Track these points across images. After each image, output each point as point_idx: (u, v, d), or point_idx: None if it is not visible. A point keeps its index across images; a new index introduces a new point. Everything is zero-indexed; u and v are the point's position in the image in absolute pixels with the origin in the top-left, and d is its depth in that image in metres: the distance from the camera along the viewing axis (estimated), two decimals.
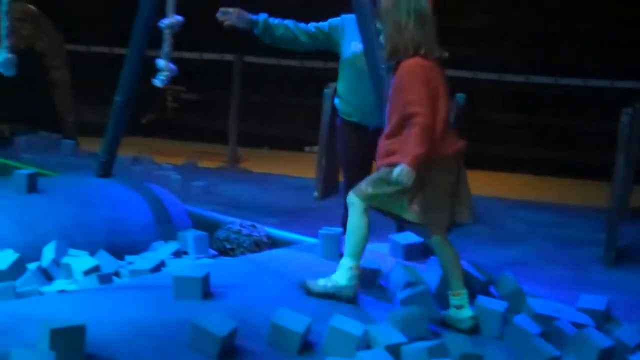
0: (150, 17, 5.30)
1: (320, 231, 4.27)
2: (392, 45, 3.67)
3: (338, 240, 4.19)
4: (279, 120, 9.86)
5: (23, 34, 7.74)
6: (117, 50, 9.31)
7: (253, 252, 4.92)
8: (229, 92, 8.97)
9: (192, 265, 4.23)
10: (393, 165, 3.55)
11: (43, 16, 7.93)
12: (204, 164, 8.65)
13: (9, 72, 4.46)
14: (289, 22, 4.74)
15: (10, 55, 4.42)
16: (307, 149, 9.43)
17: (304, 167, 8.22)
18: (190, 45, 9.19)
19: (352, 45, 4.64)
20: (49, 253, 4.55)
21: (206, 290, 3.55)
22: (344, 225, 5.00)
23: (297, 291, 3.73)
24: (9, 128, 9.06)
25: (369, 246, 3.76)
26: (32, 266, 4.39)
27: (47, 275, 4.37)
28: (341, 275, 3.66)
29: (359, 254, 3.67)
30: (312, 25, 4.76)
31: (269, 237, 5.05)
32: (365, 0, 4.20)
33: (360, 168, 4.52)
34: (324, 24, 4.75)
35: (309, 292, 3.68)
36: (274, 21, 4.72)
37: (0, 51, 4.44)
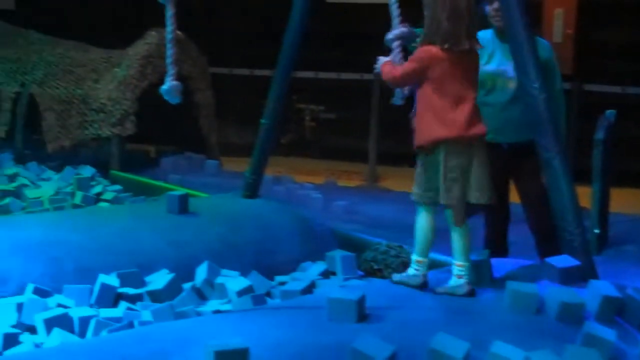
0: (298, 40, 5.37)
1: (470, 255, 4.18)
2: (426, 33, 3.84)
3: (488, 265, 4.09)
4: None
5: None
6: (258, 72, 9.49)
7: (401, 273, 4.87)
8: (366, 111, 8.98)
9: (346, 287, 4.22)
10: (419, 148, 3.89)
11: (188, 41, 8.14)
12: (343, 182, 8.67)
13: (174, 100, 4.57)
14: None
15: (175, 83, 4.52)
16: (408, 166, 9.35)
17: None
18: (329, 66, 9.30)
19: (489, 63, 4.68)
20: (201, 273, 4.65)
21: (361, 312, 3.53)
22: (488, 245, 4.97)
23: (453, 315, 3.66)
24: (155, 149, 9.37)
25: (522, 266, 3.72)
26: (186, 286, 4.50)
27: (200, 295, 4.46)
28: (410, 267, 3.96)
29: (424, 250, 3.94)
30: None
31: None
32: (518, 18, 4.10)
33: (496, 186, 4.27)
34: None
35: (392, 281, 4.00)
36: None
37: (165, 79, 4.54)
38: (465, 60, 3.85)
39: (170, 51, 4.68)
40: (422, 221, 3.94)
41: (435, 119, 3.80)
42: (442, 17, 3.77)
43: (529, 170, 4.76)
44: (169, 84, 4.77)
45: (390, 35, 4.09)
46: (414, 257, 3.97)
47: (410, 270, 3.98)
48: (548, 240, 4.71)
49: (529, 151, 4.46)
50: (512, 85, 4.63)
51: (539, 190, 4.56)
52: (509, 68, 4.55)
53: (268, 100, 5.54)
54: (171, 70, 4.76)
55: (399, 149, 9.72)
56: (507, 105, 4.69)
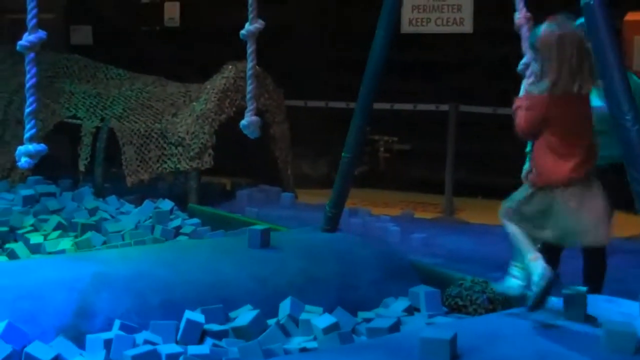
0: (379, 71, 5.36)
1: (563, 290, 4.08)
2: (550, 79, 3.87)
3: (584, 300, 3.99)
4: (494, 169, 9.68)
5: None
6: (332, 104, 9.50)
7: (487, 309, 4.78)
8: (441, 142, 8.91)
9: (436, 326, 4.15)
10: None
11: (265, 74, 8.20)
12: (419, 214, 8.59)
13: (253, 134, 4.59)
14: None
15: (254, 118, 4.54)
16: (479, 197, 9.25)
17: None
18: (405, 97, 9.26)
19: None
20: (285, 309, 4.62)
21: (453, 352, 3.46)
22: (587, 278, 4.90)
23: (546, 354, 3.56)
24: (231, 182, 9.43)
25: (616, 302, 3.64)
26: (270, 322, 4.47)
27: (284, 332, 4.43)
28: (533, 272, 3.89)
29: (530, 248, 3.94)
30: None
31: (503, 293, 4.88)
32: (609, 50, 4.02)
33: None
34: None
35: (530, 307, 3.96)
36: None
37: (245, 114, 4.56)
38: (575, 103, 3.93)
39: (250, 86, 4.72)
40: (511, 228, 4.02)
41: (554, 161, 3.89)
42: (549, 66, 3.87)
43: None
44: (249, 119, 4.81)
45: (521, 65, 4.18)
46: (525, 259, 3.97)
47: (535, 275, 3.90)
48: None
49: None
50: None
51: None
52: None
53: (349, 133, 5.52)
54: (251, 105, 4.80)
55: (473, 180, 9.66)
56: None
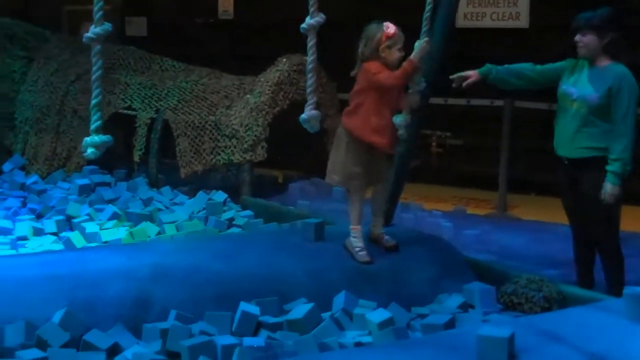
0: (436, 66, 5.33)
1: (625, 290, 4.01)
2: None
3: None
4: (549, 166, 9.57)
5: (301, 85, 8.04)
6: None
7: (543, 308, 4.73)
8: (494, 137, 8.82)
9: (493, 323, 4.11)
10: None
11: (319, 67, 8.18)
12: (472, 210, 8.53)
13: (313, 129, 4.57)
14: (523, 69, 5.40)
15: (314, 112, 4.52)
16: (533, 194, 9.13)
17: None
18: (458, 92, 9.17)
19: (562, 85, 5.27)
20: (339, 303, 4.62)
21: (511, 351, 3.43)
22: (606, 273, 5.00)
23: (607, 356, 3.51)
24: (283, 174, 9.45)
25: None
26: (324, 315, 4.47)
27: (338, 325, 4.43)
28: None
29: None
30: (548, 66, 5.40)
31: (559, 292, 4.83)
32: None
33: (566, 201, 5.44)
34: (558, 65, 5.38)
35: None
36: (502, 72, 5.38)
37: (305, 108, 4.55)
38: None
39: (310, 80, 4.68)
40: None
41: None
42: None
43: (585, 187, 5.19)
44: (309, 112, 4.77)
45: None
46: None
47: None
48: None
49: (587, 167, 5.12)
50: (574, 106, 5.17)
51: (595, 206, 5.12)
52: (574, 91, 5.17)
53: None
54: (311, 99, 4.76)
55: (527, 176, 9.55)
56: (567, 123, 5.23)
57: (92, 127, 3.67)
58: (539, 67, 5.43)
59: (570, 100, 5.20)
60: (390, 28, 4.91)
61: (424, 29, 5.01)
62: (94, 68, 3.64)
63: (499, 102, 8.74)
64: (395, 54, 4.90)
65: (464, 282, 5.07)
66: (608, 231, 5.26)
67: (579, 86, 5.17)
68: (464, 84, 5.41)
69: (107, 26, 3.60)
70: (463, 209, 8.39)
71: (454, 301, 4.85)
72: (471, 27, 9.67)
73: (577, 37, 5.14)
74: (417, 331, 4.37)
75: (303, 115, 4.84)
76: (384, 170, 5.18)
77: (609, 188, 5.04)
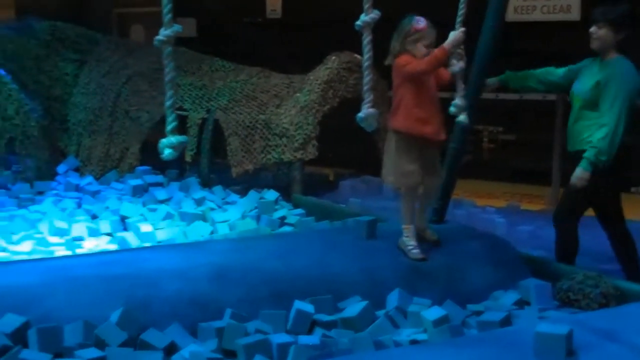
0: (487, 61, 5.29)
1: None
2: None
3: None
4: None
5: (351, 83, 8.03)
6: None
7: (600, 304, 4.67)
8: (547, 132, 8.72)
9: (551, 320, 4.06)
10: None
11: None
12: (525, 206, 8.43)
13: (370, 127, 4.56)
14: (545, 73, 5.58)
15: (371, 111, 4.51)
16: (633, 189, 8.91)
17: (634, 209, 7.73)
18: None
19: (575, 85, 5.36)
20: (393, 300, 4.61)
21: (569, 348, 3.39)
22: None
23: None
24: (334, 172, 9.45)
25: None
26: (378, 313, 4.46)
27: (393, 323, 4.41)
28: None
29: None
30: (568, 68, 5.51)
31: (616, 288, 4.76)
32: None
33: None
34: (577, 65, 5.46)
35: None
36: (522, 77, 5.61)
37: (362, 106, 4.54)
38: None
39: (367, 78, 4.66)
40: None
41: None
42: None
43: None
44: (366, 111, 4.75)
45: None
46: None
47: None
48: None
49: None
50: (575, 101, 5.33)
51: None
52: (575, 87, 5.33)
53: (456, 124, 5.45)
54: (368, 97, 4.74)
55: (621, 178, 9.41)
56: (570, 118, 5.40)
57: (168, 128, 3.74)
58: (560, 70, 5.55)
59: (574, 97, 5.36)
60: (420, 22, 4.91)
61: (459, 18, 4.99)
62: (167, 70, 3.69)
63: (551, 97, 8.63)
64: (422, 50, 4.88)
65: (519, 278, 5.04)
66: (567, 214, 5.53)
67: (580, 81, 5.32)
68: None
69: (177, 27, 3.64)
70: (516, 204, 8.29)
71: (509, 298, 4.81)
72: (521, 21, 9.57)
73: (592, 30, 5.20)
74: (473, 328, 4.34)
75: (360, 114, 4.82)
76: (437, 164, 5.15)
77: (578, 171, 5.16)
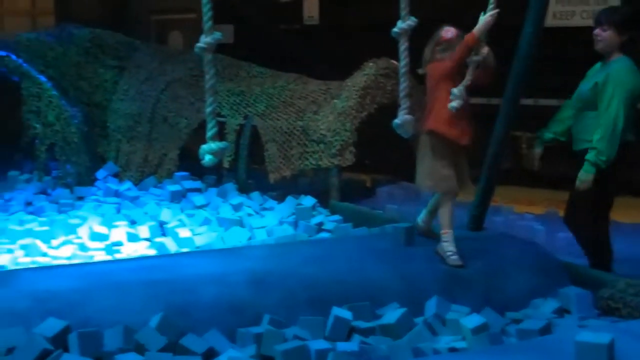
0: (527, 67, 5.26)
1: None
2: None
3: None
4: None
5: (388, 90, 8.01)
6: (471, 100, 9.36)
7: None
8: None
9: (592, 329, 4.02)
10: None
11: None
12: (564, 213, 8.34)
13: (407, 134, 4.57)
14: (564, 112, 5.56)
15: (408, 117, 4.51)
16: None
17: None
18: (548, 93, 9.03)
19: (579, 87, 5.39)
20: (431, 307, 4.59)
21: (611, 357, 3.35)
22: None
23: None
24: (371, 179, 9.44)
25: None
26: (417, 320, 4.44)
27: (431, 330, 4.39)
28: None
29: None
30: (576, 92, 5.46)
31: None
32: None
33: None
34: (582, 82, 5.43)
35: None
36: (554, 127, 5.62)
37: (399, 113, 4.54)
38: None
39: (403, 84, 4.67)
40: None
41: None
42: None
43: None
44: (402, 117, 4.76)
45: None
46: None
47: None
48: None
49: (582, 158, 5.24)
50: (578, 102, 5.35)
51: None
52: (579, 88, 5.37)
53: (494, 130, 5.44)
54: (404, 104, 4.75)
55: (621, 178, 9.30)
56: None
57: (208, 134, 3.76)
58: (571, 99, 5.52)
59: (576, 97, 5.43)
60: (448, 32, 4.95)
61: (490, 5, 4.96)
62: (207, 77, 3.72)
63: None
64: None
65: (559, 286, 5.00)
66: (580, 217, 5.49)
67: (583, 83, 5.39)
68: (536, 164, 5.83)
69: (218, 35, 3.68)
70: (555, 211, 8.20)
71: (549, 306, 4.77)
72: (560, 26, 9.49)
73: (597, 31, 5.24)
74: (512, 337, 4.31)
75: (397, 120, 4.83)
76: (465, 173, 5.15)
77: (581, 175, 5.24)
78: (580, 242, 5.56)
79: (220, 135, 8.36)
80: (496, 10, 4.86)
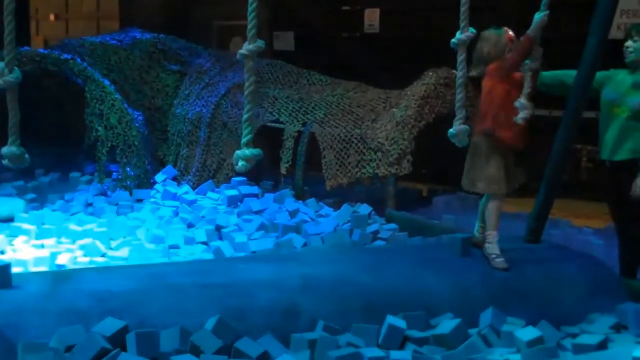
0: (590, 81, 5.21)
1: None
2: None
3: None
4: None
5: (448, 99, 7.99)
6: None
7: None
8: None
9: None
10: None
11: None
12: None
13: (462, 143, 4.56)
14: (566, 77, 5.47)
15: (463, 127, 4.51)
16: None
17: None
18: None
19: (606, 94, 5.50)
20: (486, 319, 4.56)
21: None
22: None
23: None
24: (427, 188, 9.41)
25: None
26: (471, 331, 4.42)
27: (486, 342, 4.37)
28: None
29: None
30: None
31: None
32: None
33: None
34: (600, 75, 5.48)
35: None
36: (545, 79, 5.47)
37: (454, 123, 4.54)
38: None
39: (460, 95, 4.66)
40: None
41: None
42: None
43: (630, 188, 5.29)
44: (457, 127, 4.75)
45: None
46: None
47: None
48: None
49: (630, 170, 5.30)
50: (617, 111, 5.43)
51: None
52: (617, 97, 5.44)
53: (555, 142, 5.39)
54: (460, 114, 4.74)
55: None
56: (611, 128, 5.48)
57: (243, 140, 3.77)
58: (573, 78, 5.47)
59: (614, 107, 5.46)
60: (510, 31, 5.09)
61: (542, 6, 5.02)
62: (247, 83, 3.74)
63: None
64: None
65: (616, 301, 4.92)
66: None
67: (623, 92, 5.44)
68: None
69: (260, 43, 3.71)
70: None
71: (606, 321, 4.71)
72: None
73: (628, 43, 5.42)
74: (568, 351, 4.27)
75: (452, 130, 4.82)
76: (515, 172, 5.15)
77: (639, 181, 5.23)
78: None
79: (278, 142, 8.53)
80: (547, 12, 4.98)
